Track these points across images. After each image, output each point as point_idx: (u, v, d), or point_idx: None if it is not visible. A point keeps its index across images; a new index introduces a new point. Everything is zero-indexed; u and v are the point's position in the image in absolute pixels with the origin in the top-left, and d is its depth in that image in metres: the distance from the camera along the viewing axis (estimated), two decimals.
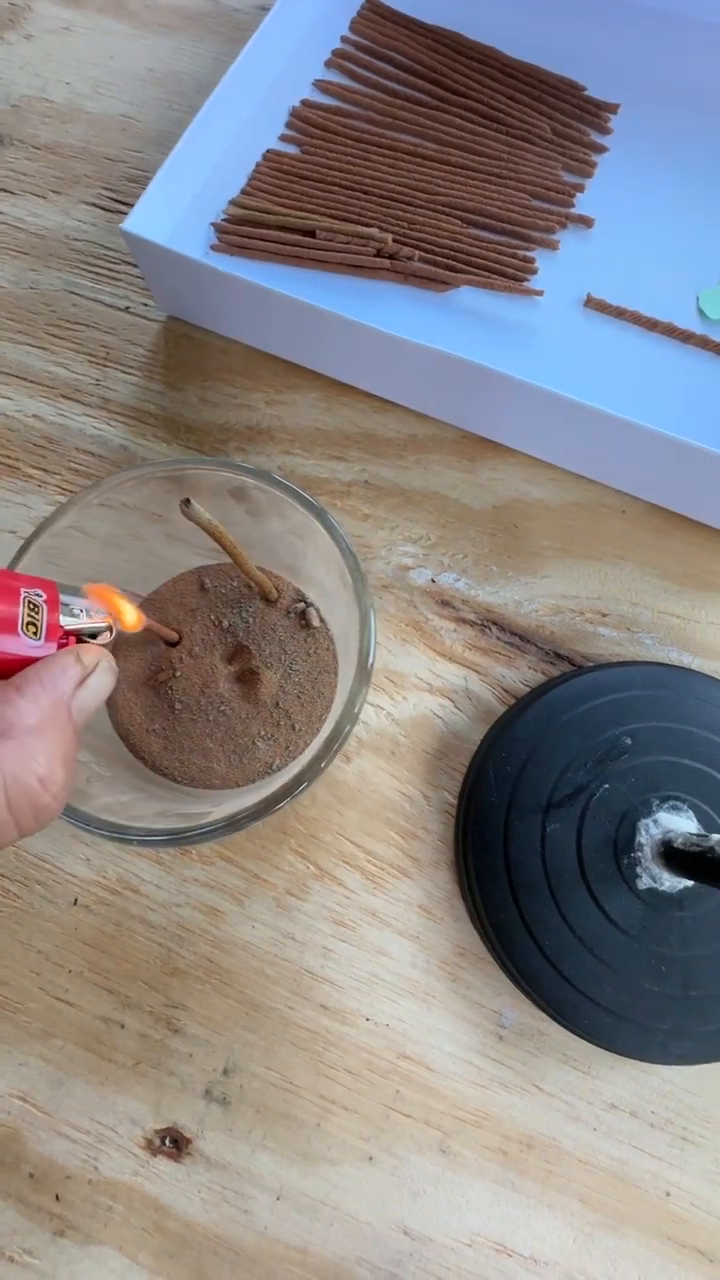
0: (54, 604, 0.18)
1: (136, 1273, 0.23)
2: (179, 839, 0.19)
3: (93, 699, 0.17)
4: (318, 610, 0.25)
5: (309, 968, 0.26)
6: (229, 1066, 0.25)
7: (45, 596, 0.17)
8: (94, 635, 0.19)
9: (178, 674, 0.25)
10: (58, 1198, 0.24)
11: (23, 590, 0.17)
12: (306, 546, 0.24)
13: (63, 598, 0.18)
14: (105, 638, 0.19)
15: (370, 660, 0.21)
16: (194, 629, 0.25)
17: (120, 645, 0.26)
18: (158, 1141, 0.24)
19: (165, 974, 0.26)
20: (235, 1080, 0.25)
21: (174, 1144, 0.24)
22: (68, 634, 0.18)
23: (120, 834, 0.20)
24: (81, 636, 0.18)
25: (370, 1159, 0.24)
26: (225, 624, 0.25)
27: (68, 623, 0.18)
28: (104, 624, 0.19)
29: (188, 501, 0.19)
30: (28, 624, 0.17)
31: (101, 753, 0.23)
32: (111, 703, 0.25)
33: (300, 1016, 0.25)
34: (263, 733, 0.24)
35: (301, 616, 0.25)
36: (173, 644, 0.25)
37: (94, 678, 0.17)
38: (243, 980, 0.25)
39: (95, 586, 0.20)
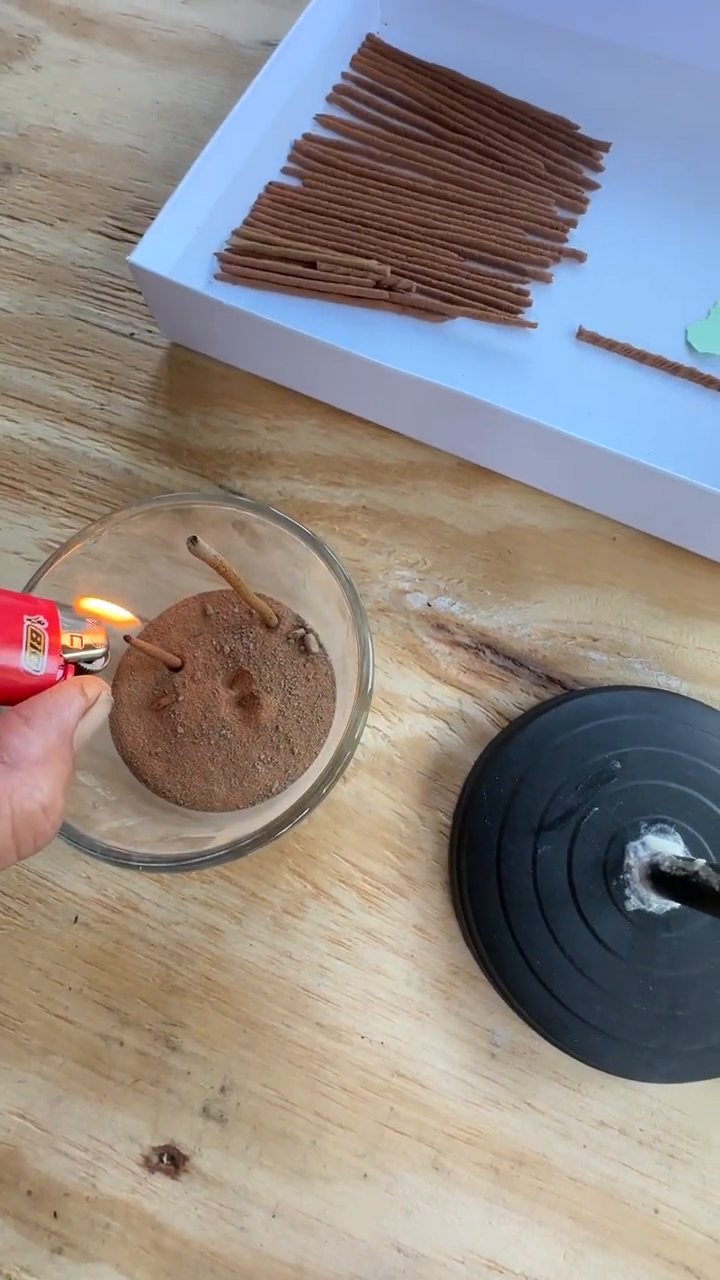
0: (55, 629, 0.18)
1: None
2: (181, 865, 0.20)
3: (91, 729, 0.18)
4: (316, 636, 0.26)
5: (305, 986, 0.26)
6: (226, 1084, 0.25)
7: (47, 624, 0.18)
8: (90, 661, 0.19)
9: (180, 698, 0.25)
10: (56, 1215, 0.24)
11: (26, 619, 0.18)
12: (306, 575, 0.24)
13: (61, 620, 0.19)
14: (100, 663, 0.19)
15: (369, 688, 0.22)
16: (196, 654, 0.26)
17: (124, 670, 0.26)
18: (155, 1159, 0.25)
19: (164, 992, 0.26)
20: (232, 1098, 0.25)
21: (171, 1161, 0.25)
22: (66, 662, 0.18)
23: (124, 860, 0.20)
24: (79, 665, 0.19)
25: (365, 1176, 0.24)
26: (227, 649, 0.26)
27: (67, 653, 0.18)
28: (100, 650, 0.19)
29: (194, 539, 0.19)
30: (31, 649, 0.17)
31: (105, 776, 0.24)
32: (115, 726, 0.25)
33: (296, 1034, 0.26)
34: (263, 756, 0.25)
35: (301, 642, 0.26)
36: (175, 669, 0.26)
37: (95, 709, 0.18)
38: (240, 998, 0.26)
39: (86, 601, 0.21)
